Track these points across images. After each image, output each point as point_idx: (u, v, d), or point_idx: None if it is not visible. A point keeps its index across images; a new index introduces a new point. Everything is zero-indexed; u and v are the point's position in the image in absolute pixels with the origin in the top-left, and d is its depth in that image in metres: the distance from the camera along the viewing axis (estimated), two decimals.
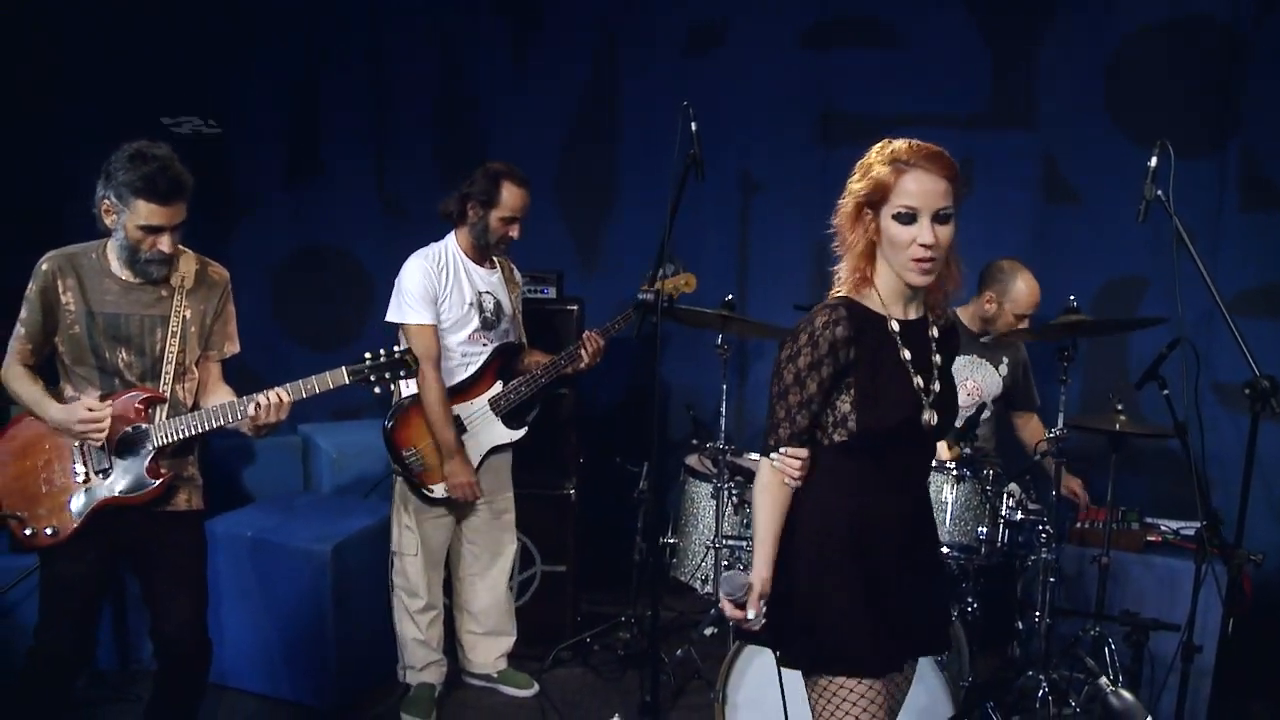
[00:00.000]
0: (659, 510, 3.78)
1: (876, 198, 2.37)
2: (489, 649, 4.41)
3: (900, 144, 2.39)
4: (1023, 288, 4.41)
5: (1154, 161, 3.41)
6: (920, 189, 2.33)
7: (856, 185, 2.42)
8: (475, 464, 4.10)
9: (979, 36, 5.26)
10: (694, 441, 4.75)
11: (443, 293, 4.00)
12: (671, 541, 4.58)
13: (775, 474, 2.46)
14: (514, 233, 4.05)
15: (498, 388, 4.15)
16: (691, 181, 5.39)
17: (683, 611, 5.09)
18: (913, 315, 2.49)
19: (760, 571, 2.46)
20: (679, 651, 4.42)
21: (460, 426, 4.06)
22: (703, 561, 4.44)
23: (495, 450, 4.19)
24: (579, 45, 5.69)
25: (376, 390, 3.33)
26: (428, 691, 4.19)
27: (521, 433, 4.23)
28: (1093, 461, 4.56)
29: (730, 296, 4.35)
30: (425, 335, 3.93)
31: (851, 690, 2.45)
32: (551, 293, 4.72)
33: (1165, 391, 3.90)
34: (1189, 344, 3.59)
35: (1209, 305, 3.29)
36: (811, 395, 2.40)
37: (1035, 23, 5.19)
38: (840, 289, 2.47)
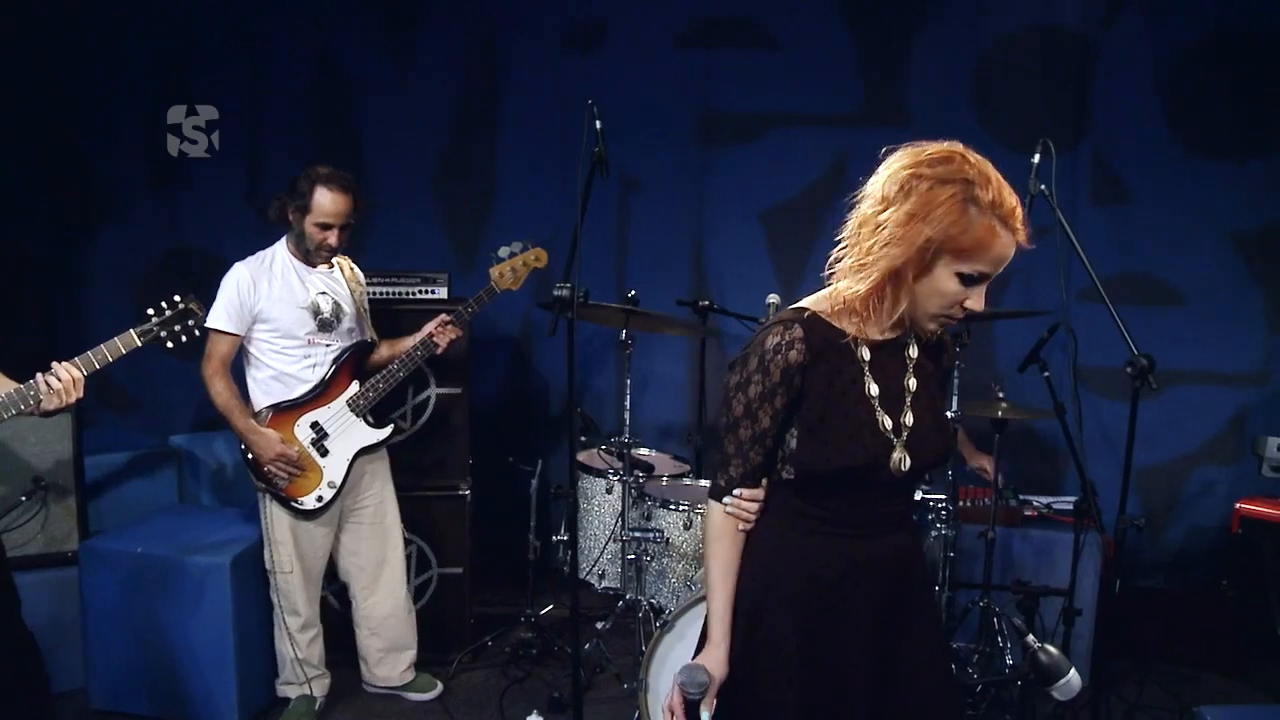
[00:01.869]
0: (572, 506, 3.77)
1: (951, 246, 1.96)
2: (393, 664, 4.31)
3: (1010, 201, 1.97)
4: None
5: (1036, 158, 3.64)
6: (999, 258, 1.99)
7: (942, 217, 1.94)
8: (343, 470, 3.98)
9: (852, 38, 5.45)
10: (583, 439, 4.80)
11: (263, 300, 3.85)
12: (564, 538, 4.61)
13: (728, 521, 2.20)
14: (332, 239, 3.90)
15: (354, 388, 4.02)
16: (568, 178, 5.50)
17: (587, 607, 5.10)
18: (890, 335, 2.16)
19: (717, 653, 2.19)
20: (586, 646, 4.43)
21: (320, 432, 3.94)
22: (600, 556, 4.49)
23: (364, 452, 4.06)
24: (458, 44, 5.64)
25: (169, 345, 3.28)
26: (307, 704, 4.07)
27: (387, 431, 4.11)
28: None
29: (633, 293, 4.39)
30: (221, 344, 3.82)
31: None
32: (442, 293, 4.65)
33: (1046, 374, 4.13)
34: (1069, 330, 3.82)
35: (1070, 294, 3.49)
36: (765, 429, 2.12)
37: (906, 26, 5.42)
38: (812, 300, 2.18)
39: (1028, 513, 4.69)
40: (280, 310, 3.87)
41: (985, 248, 1.96)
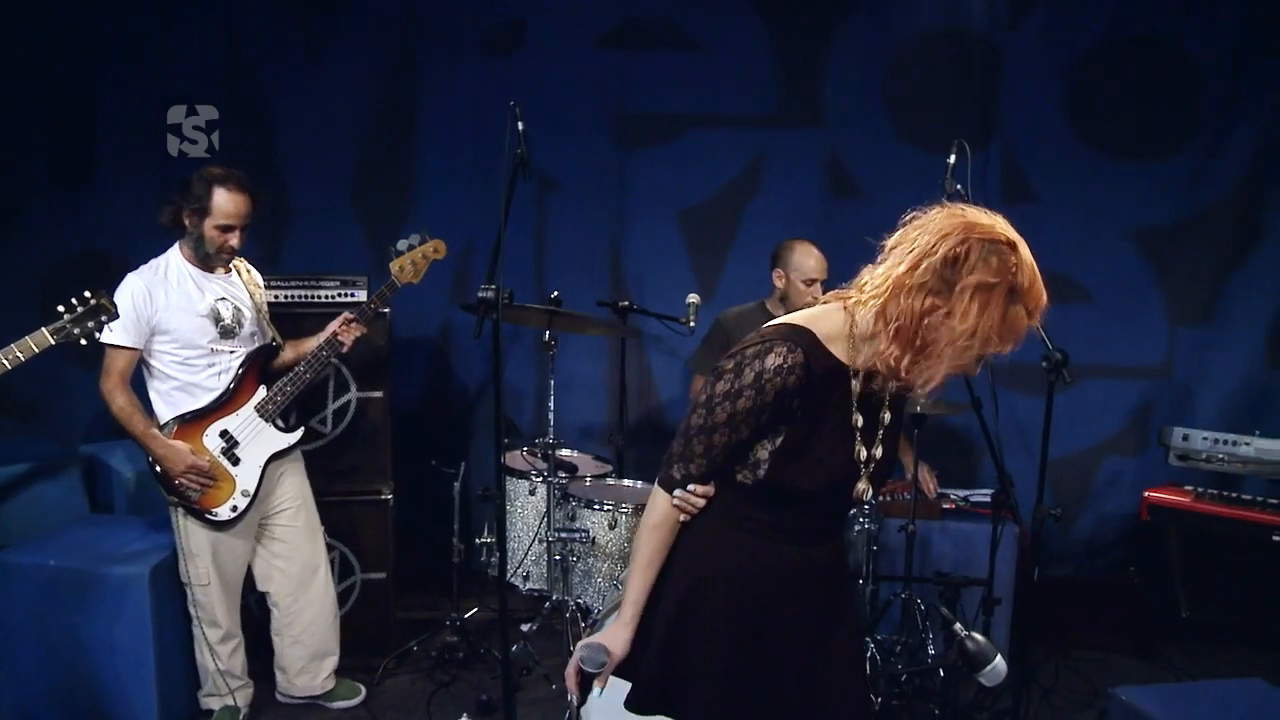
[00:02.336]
0: (500, 508, 3.75)
1: (990, 337, 1.95)
2: (314, 673, 4.21)
3: (1041, 296, 2.00)
4: (800, 254, 4.57)
5: (952, 159, 3.73)
6: (1023, 337, 2.02)
7: (988, 316, 1.94)
8: (256, 477, 3.89)
9: (768, 41, 5.51)
10: (505, 441, 4.78)
11: (161, 311, 3.73)
12: (489, 541, 4.61)
13: (672, 512, 2.22)
14: (234, 240, 3.81)
15: (262, 393, 3.92)
16: (487, 180, 5.48)
17: (513, 608, 5.08)
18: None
19: (623, 633, 2.23)
20: (514, 647, 4.42)
21: (231, 441, 3.85)
22: (525, 558, 4.49)
23: (276, 457, 3.96)
24: (374, 44, 5.56)
25: (83, 343, 3.20)
26: (230, 715, 3.99)
27: (298, 435, 4.02)
28: None
29: (556, 293, 4.39)
30: (119, 358, 3.70)
31: None
32: (362, 295, 4.59)
33: None
34: None
35: None
36: (742, 440, 2.14)
37: (821, 29, 5.49)
38: (807, 319, 2.16)
39: (946, 506, 4.79)
40: (180, 320, 3.75)
41: (1013, 335, 1.99)
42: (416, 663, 4.63)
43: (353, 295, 4.58)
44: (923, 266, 1.97)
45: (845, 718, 2.28)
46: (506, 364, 5.62)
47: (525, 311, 4.32)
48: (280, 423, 3.96)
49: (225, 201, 3.74)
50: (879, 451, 2.20)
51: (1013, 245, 1.98)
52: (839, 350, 2.13)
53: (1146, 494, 4.35)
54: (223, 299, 3.86)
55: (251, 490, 3.87)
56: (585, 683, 2.27)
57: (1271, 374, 5.43)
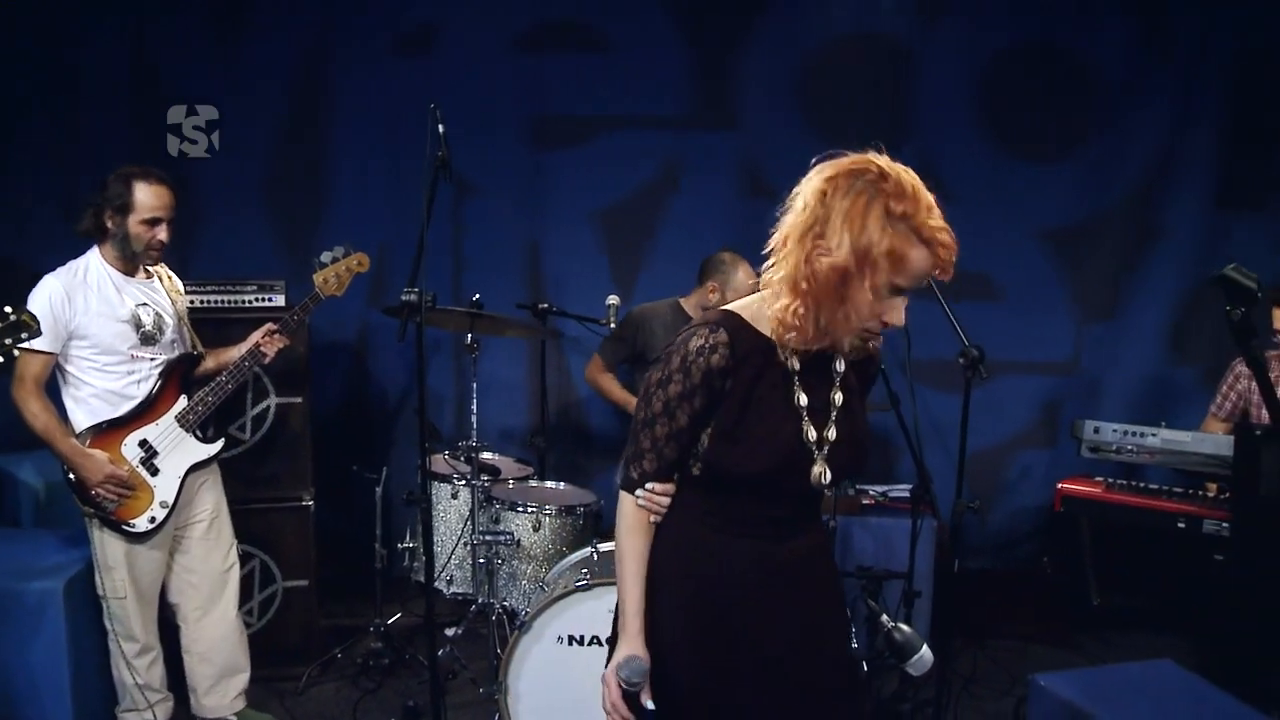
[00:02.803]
0: (426, 511, 3.73)
1: (872, 258, 1.93)
2: (223, 692, 4.08)
3: (926, 217, 1.97)
4: (744, 277, 4.66)
5: None
6: (922, 270, 1.97)
7: (856, 228, 1.93)
8: (175, 488, 3.78)
9: (683, 43, 5.56)
10: (425, 445, 4.75)
11: (80, 315, 3.62)
12: (411, 546, 4.58)
13: (640, 513, 2.20)
14: (162, 235, 3.72)
15: (182, 402, 3.82)
16: (402, 183, 5.44)
17: (437, 613, 5.03)
18: (817, 347, 2.10)
19: (634, 643, 2.17)
20: (440, 652, 4.39)
21: (150, 450, 3.75)
22: (449, 562, 4.46)
23: (196, 468, 3.86)
24: (285, 46, 5.48)
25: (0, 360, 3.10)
26: None
27: (219, 445, 3.93)
28: None
29: (477, 296, 4.37)
30: (34, 364, 3.57)
31: None
32: (280, 300, 4.53)
33: (881, 368, 4.29)
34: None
35: None
36: (681, 428, 2.12)
37: (734, 31, 5.55)
38: (740, 305, 2.15)
39: (865, 501, 4.88)
40: (99, 325, 3.63)
41: (899, 259, 1.93)
42: (341, 670, 4.59)
43: (270, 300, 4.51)
44: (802, 215, 2.00)
45: (807, 702, 2.21)
46: (426, 369, 5.60)
47: (447, 315, 4.29)
48: (200, 433, 3.87)
49: (148, 195, 3.65)
50: (832, 433, 2.13)
51: (882, 172, 1.98)
52: (767, 329, 2.11)
53: (1060, 486, 4.47)
54: (144, 304, 3.75)
55: (170, 501, 3.77)
56: (634, 703, 2.17)
57: (1171, 367, 5.64)
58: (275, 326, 3.95)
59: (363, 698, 4.36)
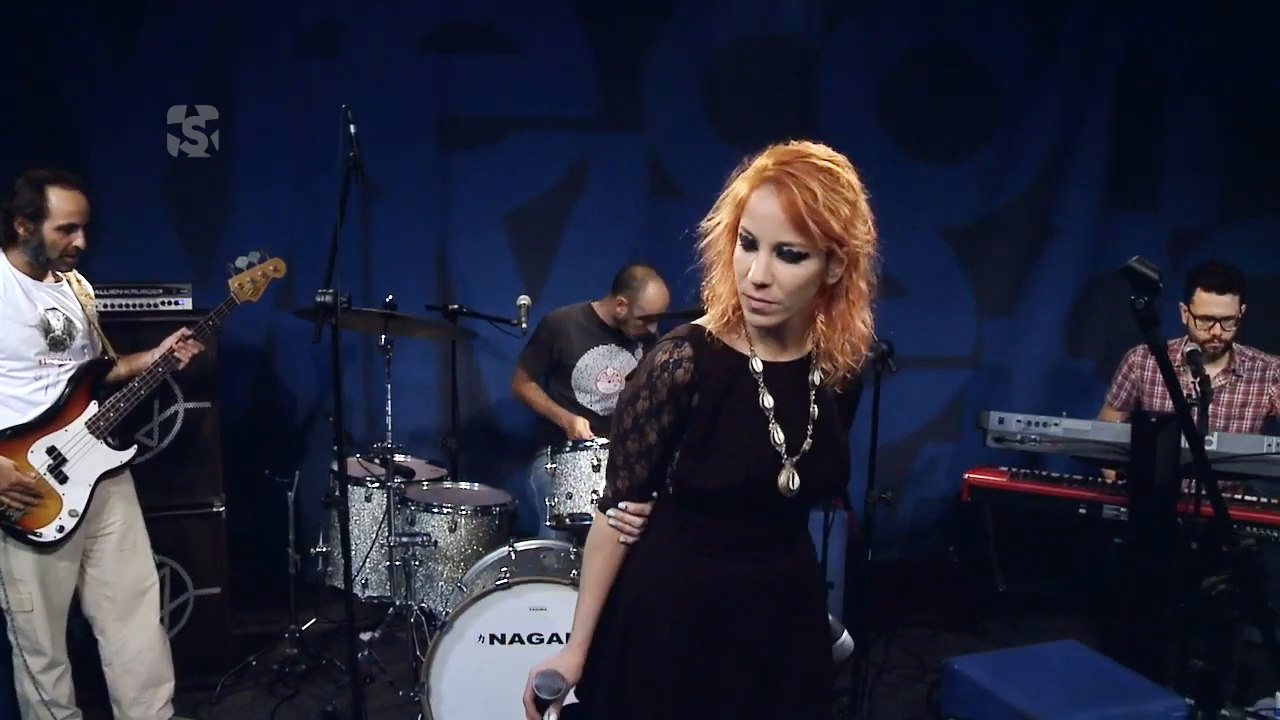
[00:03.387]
0: (343, 514, 3.70)
1: (737, 216, 1.97)
2: (149, 702, 3.98)
3: (764, 160, 1.98)
4: (653, 294, 4.66)
5: None
6: (767, 208, 1.92)
7: (724, 207, 2.01)
8: (85, 496, 3.68)
9: (589, 44, 5.57)
10: (335, 448, 4.71)
11: None
12: (325, 550, 4.54)
13: (610, 532, 2.16)
14: (78, 240, 3.65)
15: (93, 409, 3.73)
16: (306, 184, 5.38)
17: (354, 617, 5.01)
18: (787, 357, 2.11)
19: (572, 658, 2.18)
20: (360, 656, 4.35)
21: (58, 458, 3.65)
22: (364, 565, 4.43)
23: (107, 476, 3.76)
24: (184, 41, 5.34)
25: None
26: None
27: (131, 453, 3.83)
28: None
29: (391, 297, 4.35)
30: None
31: None
32: (187, 303, 4.45)
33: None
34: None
35: None
36: (650, 445, 2.09)
37: (642, 34, 5.59)
38: (708, 318, 2.11)
39: None
40: (5, 330, 3.53)
41: (747, 202, 1.94)
42: (256, 678, 4.51)
43: (177, 303, 4.43)
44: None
45: None
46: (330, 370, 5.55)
47: (360, 316, 4.26)
48: (111, 440, 3.78)
49: (63, 200, 3.57)
50: (807, 445, 2.08)
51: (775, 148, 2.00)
52: (737, 342, 2.09)
53: (966, 476, 4.58)
54: (53, 309, 3.66)
55: (80, 510, 3.67)
56: (541, 709, 2.17)
57: (1068, 360, 5.84)
58: (190, 332, 3.88)
59: (279, 705, 4.30)
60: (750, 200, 1.93)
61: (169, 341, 3.86)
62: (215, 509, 4.49)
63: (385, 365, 4.33)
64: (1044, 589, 5.24)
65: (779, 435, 2.06)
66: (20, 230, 3.58)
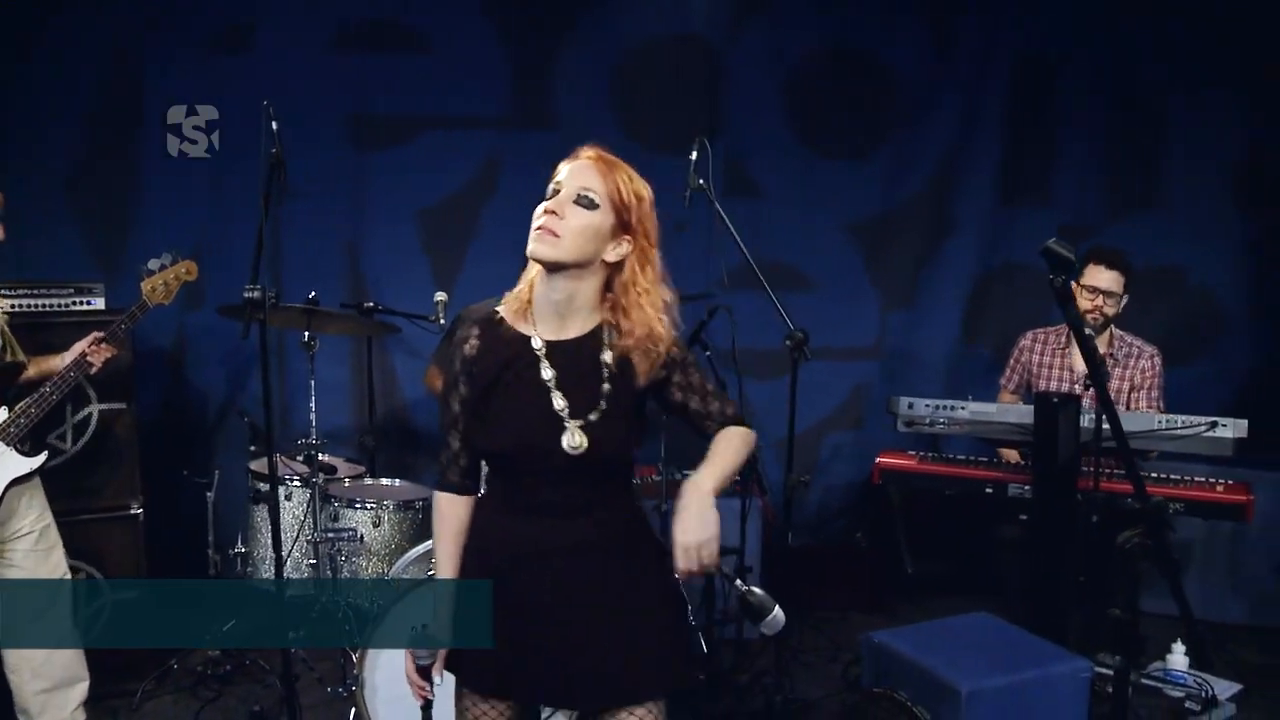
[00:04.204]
0: (274, 510, 3.68)
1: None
2: (61, 705, 3.88)
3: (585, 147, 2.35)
4: None
5: (695, 155, 3.98)
6: (575, 169, 2.27)
7: None
8: None
9: (500, 44, 5.64)
10: (251, 448, 4.70)
11: None
12: (243, 551, 4.52)
13: (441, 504, 2.40)
14: None
15: (3, 414, 3.66)
16: (216, 183, 5.34)
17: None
18: (570, 334, 2.29)
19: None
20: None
21: None
22: (286, 563, 4.41)
23: (17, 482, 3.68)
24: (90, 37, 5.27)
25: None
26: None
27: (41, 459, 3.74)
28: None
29: (314, 294, 4.35)
30: None
31: (472, 705, 2.37)
32: (99, 303, 4.39)
33: (708, 353, 4.49)
34: (729, 311, 4.21)
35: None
36: (456, 415, 2.31)
37: (553, 33, 5.67)
38: (502, 301, 2.34)
39: None
40: None
41: (555, 173, 2.31)
42: (178, 682, 4.44)
43: (89, 303, 4.37)
44: None
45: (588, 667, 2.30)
46: (245, 369, 5.51)
47: (284, 312, 4.26)
48: (21, 446, 3.69)
49: None
50: (594, 415, 2.24)
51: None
52: (522, 322, 2.30)
53: (877, 460, 4.72)
54: None
55: None
56: (425, 674, 2.36)
57: (966, 349, 6.06)
58: (102, 335, 3.81)
59: (203, 708, 4.25)
60: (562, 170, 2.30)
61: (80, 345, 3.79)
62: (133, 511, 4.43)
63: (309, 362, 4.35)
64: (951, 570, 5.46)
65: (560, 402, 2.25)
66: None
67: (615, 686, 2.30)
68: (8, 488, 3.66)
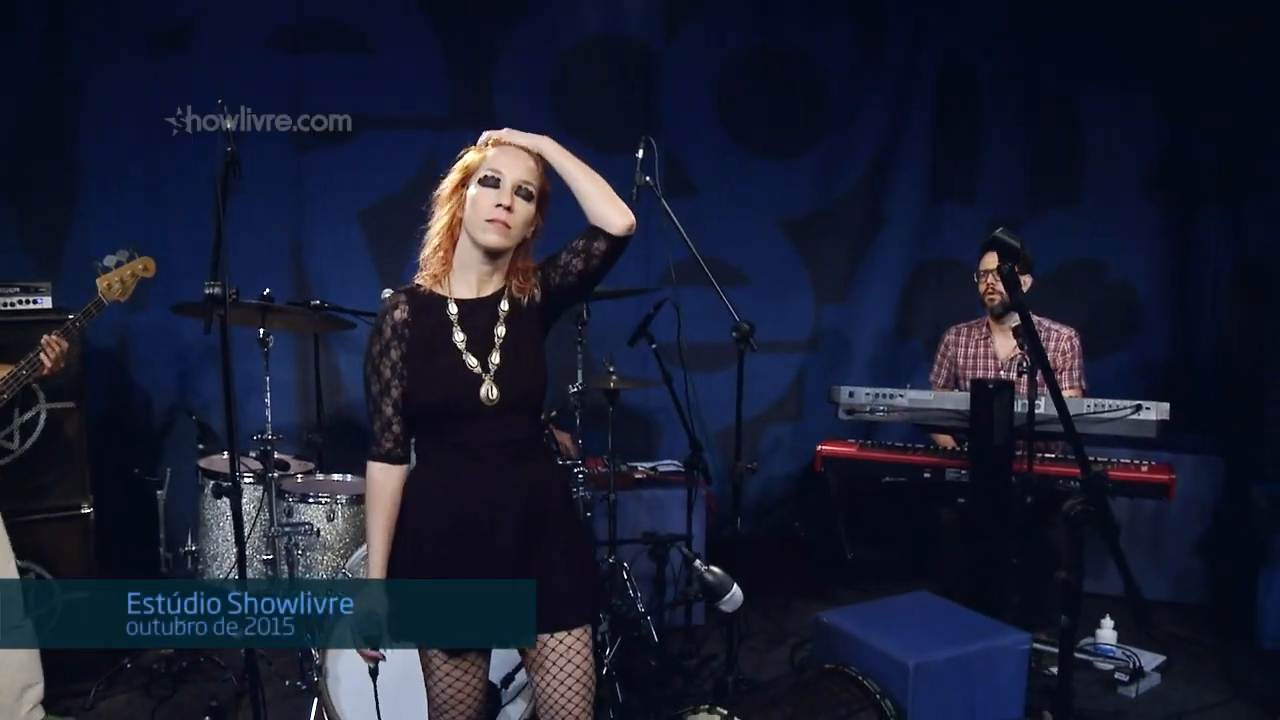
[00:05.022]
0: (236, 504, 3.70)
1: (467, 176, 2.55)
2: (15, 707, 3.87)
3: (486, 136, 2.63)
4: None
5: (640, 154, 4.09)
6: (506, 160, 2.52)
7: (453, 174, 2.60)
8: None
9: (440, 44, 5.69)
10: (200, 446, 4.71)
11: None
12: (193, 549, 4.54)
13: (374, 475, 2.58)
14: None
15: None
16: (156, 181, 5.32)
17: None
18: (485, 293, 2.59)
19: (371, 595, 2.57)
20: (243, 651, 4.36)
21: None
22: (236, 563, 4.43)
23: None
24: (22, 40, 5.23)
25: None
26: None
27: None
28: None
29: (268, 290, 4.38)
30: None
31: (442, 662, 2.62)
32: (46, 302, 4.36)
33: (654, 345, 4.59)
34: (675, 304, 4.32)
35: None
36: (387, 380, 2.54)
37: (492, 33, 5.74)
38: (417, 277, 2.62)
39: (638, 476, 5.20)
40: None
41: (484, 160, 2.54)
42: (130, 681, 4.44)
43: (35, 301, 4.34)
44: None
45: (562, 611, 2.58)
46: (193, 370, 5.49)
47: (239, 309, 4.27)
48: None
49: None
50: (495, 358, 2.54)
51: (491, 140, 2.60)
52: (439, 289, 2.58)
53: (819, 447, 4.86)
54: None
55: None
56: (372, 644, 2.58)
57: (898, 341, 6.26)
58: (57, 334, 3.83)
59: (158, 706, 4.27)
60: (489, 156, 2.55)
61: (46, 346, 3.81)
62: (83, 511, 4.41)
63: (264, 359, 4.36)
64: (889, 556, 5.62)
65: (472, 360, 2.53)
66: None
67: (554, 617, 2.57)
68: None
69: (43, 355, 3.79)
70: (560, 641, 2.58)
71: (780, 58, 6.01)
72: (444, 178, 2.62)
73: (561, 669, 2.59)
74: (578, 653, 2.60)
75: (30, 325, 3.96)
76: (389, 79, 5.64)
